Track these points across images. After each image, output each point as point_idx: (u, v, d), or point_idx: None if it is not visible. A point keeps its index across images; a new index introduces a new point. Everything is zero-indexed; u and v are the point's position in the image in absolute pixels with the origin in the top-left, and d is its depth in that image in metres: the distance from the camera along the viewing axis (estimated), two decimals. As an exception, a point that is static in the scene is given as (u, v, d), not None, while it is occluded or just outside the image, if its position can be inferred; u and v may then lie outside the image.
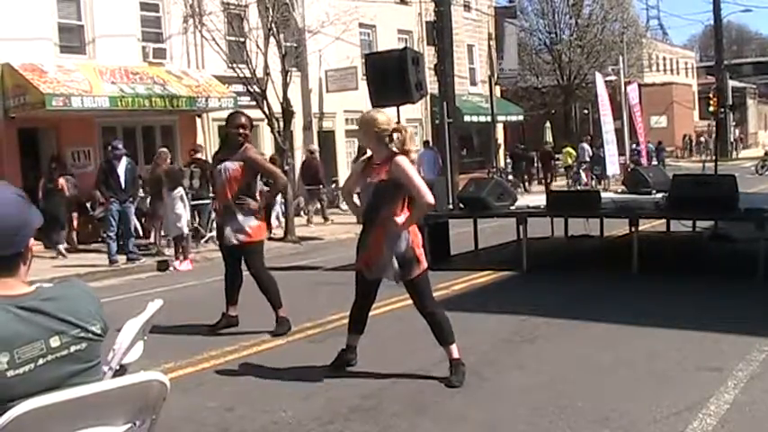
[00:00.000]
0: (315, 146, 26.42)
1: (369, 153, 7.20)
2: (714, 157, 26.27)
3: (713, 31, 59.52)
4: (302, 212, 24.12)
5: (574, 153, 37.45)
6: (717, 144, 31.70)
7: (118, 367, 3.37)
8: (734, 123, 65.88)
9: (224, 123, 9.51)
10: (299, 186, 23.77)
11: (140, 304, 3.89)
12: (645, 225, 12.86)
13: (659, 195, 13.32)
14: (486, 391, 6.59)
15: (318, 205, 24.41)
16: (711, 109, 40.47)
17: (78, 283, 3.07)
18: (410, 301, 10.46)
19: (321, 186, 24.52)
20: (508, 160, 39.36)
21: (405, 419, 5.97)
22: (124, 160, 16.32)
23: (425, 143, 30.41)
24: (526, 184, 36.57)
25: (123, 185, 16.12)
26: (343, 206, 25.22)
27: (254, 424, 6.06)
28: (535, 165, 39.28)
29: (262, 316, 9.52)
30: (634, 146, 35.17)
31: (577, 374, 6.94)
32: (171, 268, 15.73)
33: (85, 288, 3.05)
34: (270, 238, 19.55)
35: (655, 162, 41.19)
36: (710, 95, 42.27)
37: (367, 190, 6.90)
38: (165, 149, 18.09)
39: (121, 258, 16.09)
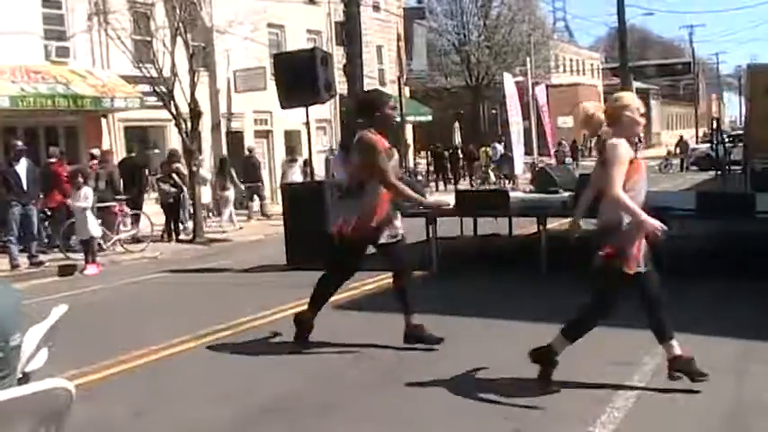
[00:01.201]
0: (253, 144, 28.04)
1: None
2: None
3: (618, 34, 60.78)
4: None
5: (491, 153, 38.20)
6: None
7: (21, 375, 3.28)
8: (638, 123, 67.30)
9: (364, 104, 8.86)
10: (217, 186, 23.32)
11: (45, 310, 3.79)
12: (553, 223, 13.03)
13: (566, 194, 13.52)
14: (400, 391, 6.59)
15: (258, 202, 25.27)
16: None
17: (6, 289, 2.98)
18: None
19: (260, 183, 25.50)
20: (419, 160, 39.78)
21: (320, 420, 5.94)
22: (24, 161, 15.76)
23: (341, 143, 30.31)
24: (443, 182, 37.43)
25: (25, 187, 15.57)
26: (256, 206, 25.03)
27: (164, 429, 5.97)
28: (461, 164, 39.83)
29: (172, 319, 9.42)
30: (558, 145, 35.95)
31: (491, 372, 6.99)
32: (78, 272, 15.37)
33: (13, 293, 2.97)
34: (178, 240, 19.35)
35: (570, 161, 42.18)
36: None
37: (645, 178, 6.34)
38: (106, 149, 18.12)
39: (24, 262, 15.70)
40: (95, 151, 20.07)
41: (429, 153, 40.59)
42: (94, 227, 15.55)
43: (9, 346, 2.83)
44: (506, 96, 31.39)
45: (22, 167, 15.65)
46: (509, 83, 31.49)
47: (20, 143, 16.30)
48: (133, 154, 21.84)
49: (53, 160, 18.32)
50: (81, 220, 15.38)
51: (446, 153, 39.27)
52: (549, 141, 36.03)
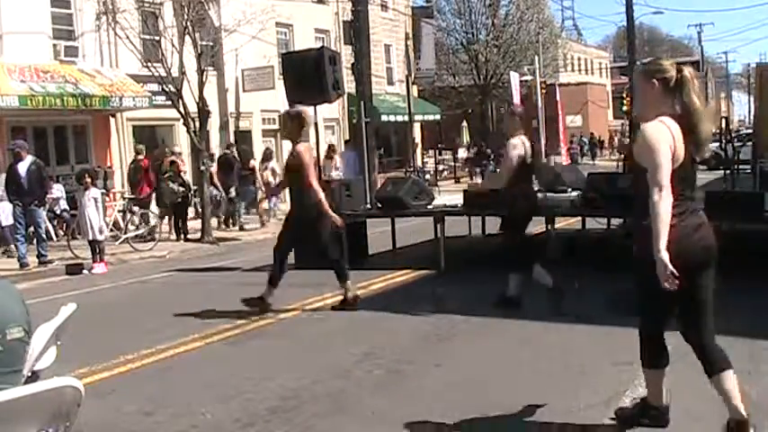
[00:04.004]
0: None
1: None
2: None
3: (626, 32, 60.71)
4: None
5: None
6: (631, 143, 32.31)
7: (30, 374, 3.29)
8: (647, 122, 67.23)
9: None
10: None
11: (53, 309, 3.80)
12: (561, 223, 13.02)
13: (575, 193, 13.50)
14: (405, 390, 6.60)
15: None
16: (625, 108, 41.41)
17: (3, 285, 2.99)
18: (327, 301, 10.54)
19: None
20: (427, 159, 39.79)
21: (324, 419, 5.95)
22: (28, 160, 15.53)
23: (347, 142, 30.26)
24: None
25: (26, 187, 15.34)
26: (265, 205, 25.09)
27: (172, 428, 5.98)
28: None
29: (180, 318, 9.44)
30: (570, 143, 36.17)
31: (495, 371, 7.00)
32: (86, 271, 15.39)
33: (10, 289, 2.97)
34: (186, 239, 19.37)
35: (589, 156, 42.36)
36: (624, 95, 43.23)
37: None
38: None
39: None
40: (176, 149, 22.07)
41: (476, 149, 40.64)
42: (101, 226, 15.50)
43: (7, 338, 2.83)
44: (513, 95, 31.49)
45: (23, 167, 15.41)
46: (515, 82, 31.54)
47: (12, 143, 16.23)
48: (227, 151, 23.26)
49: (140, 156, 20.48)
50: (88, 220, 15.35)
51: (489, 150, 39.19)
52: (561, 140, 36.10)
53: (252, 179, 22.60)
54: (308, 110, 10.59)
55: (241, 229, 21.67)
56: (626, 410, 5.62)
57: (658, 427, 5.35)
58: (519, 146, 9.13)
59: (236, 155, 23.21)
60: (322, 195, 9.70)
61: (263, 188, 22.20)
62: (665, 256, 4.65)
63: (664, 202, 4.73)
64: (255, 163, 23.93)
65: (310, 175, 9.66)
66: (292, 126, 9.98)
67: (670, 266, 4.63)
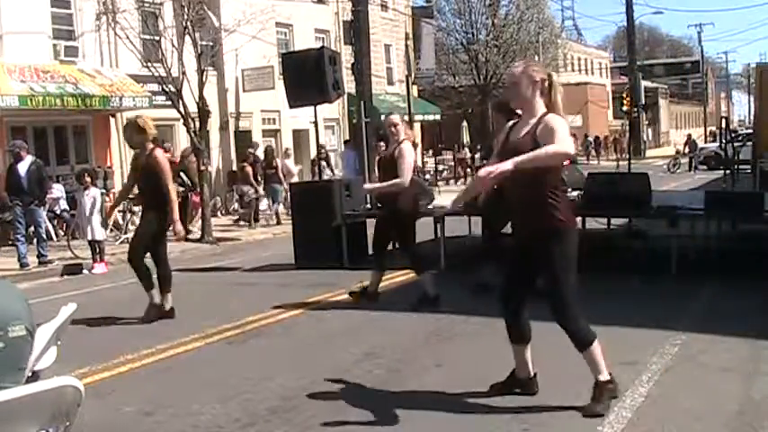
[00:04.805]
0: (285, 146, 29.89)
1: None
2: (628, 156, 26.82)
3: (626, 33, 60.79)
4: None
5: None
6: (630, 143, 32.28)
7: (30, 374, 3.29)
8: (647, 123, 67.42)
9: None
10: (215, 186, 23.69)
11: (53, 309, 3.80)
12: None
13: (575, 193, 13.48)
14: (405, 390, 6.59)
15: None
16: (625, 108, 41.40)
17: (5, 284, 2.99)
18: (327, 301, 10.54)
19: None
20: (427, 159, 39.84)
21: (324, 420, 5.94)
22: (28, 160, 15.48)
23: (346, 142, 30.28)
24: None
25: (26, 187, 15.29)
26: (262, 206, 25.15)
27: (173, 428, 5.98)
28: None
29: (179, 318, 9.44)
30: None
31: (495, 371, 6.98)
32: (86, 271, 15.38)
33: (12, 288, 2.97)
34: (186, 239, 19.35)
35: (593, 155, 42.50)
36: (624, 95, 43.26)
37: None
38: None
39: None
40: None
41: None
42: (99, 229, 15.48)
43: (9, 335, 2.82)
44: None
45: (23, 167, 15.36)
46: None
47: (11, 144, 16.22)
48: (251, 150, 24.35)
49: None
50: (88, 220, 15.34)
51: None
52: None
53: (276, 178, 22.82)
54: (147, 116, 10.76)
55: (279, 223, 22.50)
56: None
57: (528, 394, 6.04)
58: (411, 149, 9.74)
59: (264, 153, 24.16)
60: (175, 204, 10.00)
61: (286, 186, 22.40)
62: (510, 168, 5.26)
63: (563, 157, 5.59)
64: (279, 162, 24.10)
65: (168, 180, 9.88)
66: (138, 135, 9.96)
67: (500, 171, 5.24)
